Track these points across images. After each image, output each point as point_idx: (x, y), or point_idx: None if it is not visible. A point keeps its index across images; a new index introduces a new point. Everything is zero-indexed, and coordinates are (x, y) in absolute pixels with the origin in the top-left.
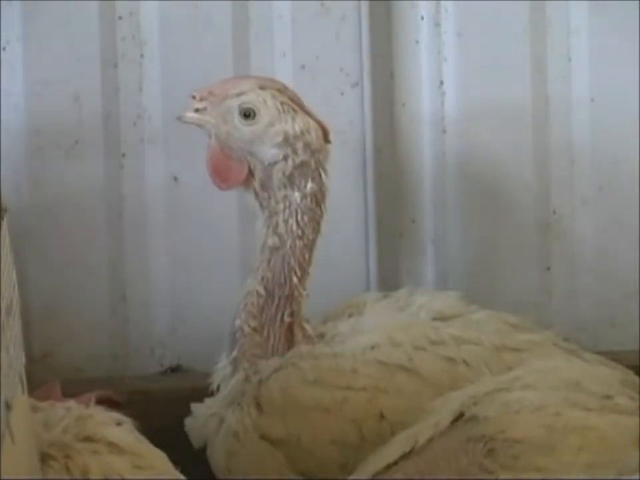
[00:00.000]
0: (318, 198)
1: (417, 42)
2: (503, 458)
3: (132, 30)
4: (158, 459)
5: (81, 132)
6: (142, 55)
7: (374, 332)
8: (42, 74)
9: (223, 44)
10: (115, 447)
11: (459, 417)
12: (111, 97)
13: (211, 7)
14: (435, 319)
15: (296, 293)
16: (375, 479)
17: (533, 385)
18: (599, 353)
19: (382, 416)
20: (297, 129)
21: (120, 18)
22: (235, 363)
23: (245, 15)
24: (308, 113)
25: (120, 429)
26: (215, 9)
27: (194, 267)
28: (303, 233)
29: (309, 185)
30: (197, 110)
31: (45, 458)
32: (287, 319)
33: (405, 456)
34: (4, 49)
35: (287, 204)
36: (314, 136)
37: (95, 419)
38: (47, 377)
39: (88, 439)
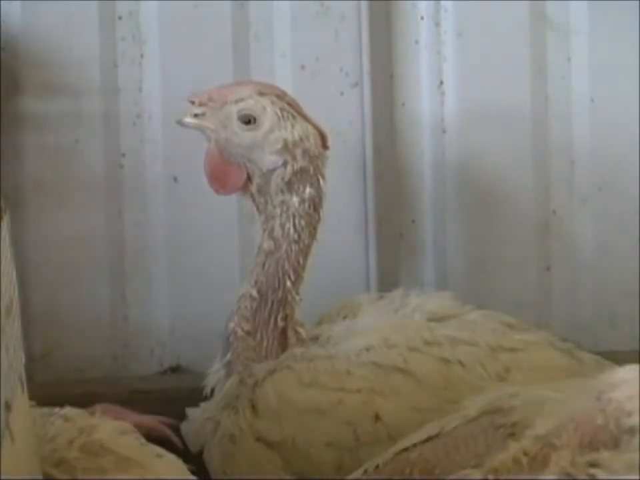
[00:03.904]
0: (315, 203)
1: (417, 42)
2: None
3: (132, 30)
4: (170, 469)
5: (81, 132)
6: (142, 55)
7: (369, 333)
8: (42, 74)
9: (223, 44)
10: (124, 462)
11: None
12: (111, 96)
13: (211, 7)
14: (429, 320)
15: (289, 297)
16: None
17: (562, 389)
18: (599, 353)
19: (377, 417)
20: (297, 135)
21: (120, 18)
22: (229, 366)
23: (244, 15)
24: (306, 119)
25: (128, 439)
26: (214, 9)
27: (193, 267)
28: (299, 237)
29: (307, 190)
30: (195, 115)
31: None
32: (280, 323)
33: (429, 439)
34: (4, 49)
35: (285, 208)
36: (313, 142)
37: (99, 429)
38: (46, 376)
39: (94, 453)
